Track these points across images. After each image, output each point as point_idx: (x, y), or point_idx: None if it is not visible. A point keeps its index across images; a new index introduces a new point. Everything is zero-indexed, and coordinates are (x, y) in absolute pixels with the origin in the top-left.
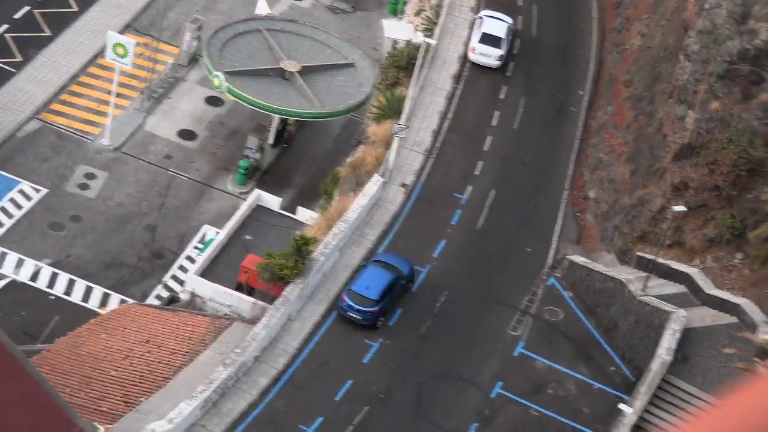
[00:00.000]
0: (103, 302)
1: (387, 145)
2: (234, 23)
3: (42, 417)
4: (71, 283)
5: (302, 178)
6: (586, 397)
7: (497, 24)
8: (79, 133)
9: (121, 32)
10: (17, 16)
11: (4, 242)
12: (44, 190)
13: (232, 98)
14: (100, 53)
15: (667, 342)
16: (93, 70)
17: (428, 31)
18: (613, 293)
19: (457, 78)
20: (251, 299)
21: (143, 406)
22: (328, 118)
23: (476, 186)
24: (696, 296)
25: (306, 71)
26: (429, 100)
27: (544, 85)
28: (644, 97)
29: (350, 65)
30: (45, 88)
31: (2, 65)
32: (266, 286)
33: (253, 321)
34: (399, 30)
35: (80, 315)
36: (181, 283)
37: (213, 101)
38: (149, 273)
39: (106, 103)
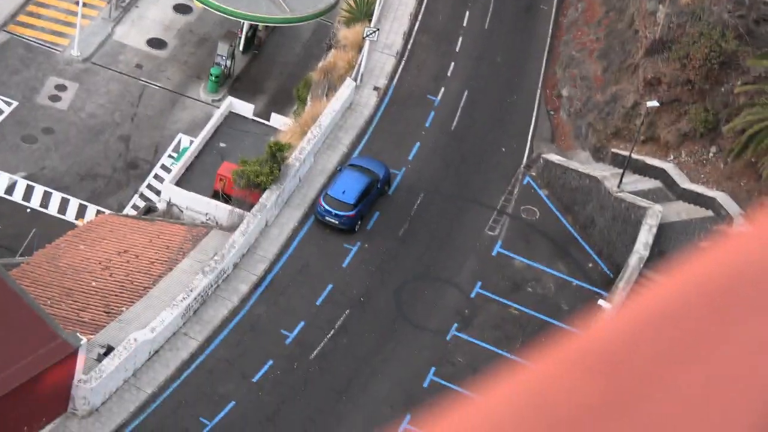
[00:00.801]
0: (80, 214)
1: (358, 48)
2: None
3: (24, 329)
4: (47, 195)
5: (274, 84)
6: (565, 294)
7: None
8: (47, 45)
9: None
10: None
11: None
12: (15, 103)
13: (201, 5)
14: None
15: (644, 237)
16: None
17: None
18: (588, 190)
19: None
20: (228, 207)
21: (125, 315)
22: (298, 23)
23: (449, 87)
24: (671, 191)
25: None
26: (399, 2)
27: None
28: None
29: None
30: (10, 0)
31: None
32: (242, 193)
33: (230, 228)
34: None
35: (58, 227)
36: (157, 192)
37: (181, 9)
38: (125, 183)
39: (74, 13)
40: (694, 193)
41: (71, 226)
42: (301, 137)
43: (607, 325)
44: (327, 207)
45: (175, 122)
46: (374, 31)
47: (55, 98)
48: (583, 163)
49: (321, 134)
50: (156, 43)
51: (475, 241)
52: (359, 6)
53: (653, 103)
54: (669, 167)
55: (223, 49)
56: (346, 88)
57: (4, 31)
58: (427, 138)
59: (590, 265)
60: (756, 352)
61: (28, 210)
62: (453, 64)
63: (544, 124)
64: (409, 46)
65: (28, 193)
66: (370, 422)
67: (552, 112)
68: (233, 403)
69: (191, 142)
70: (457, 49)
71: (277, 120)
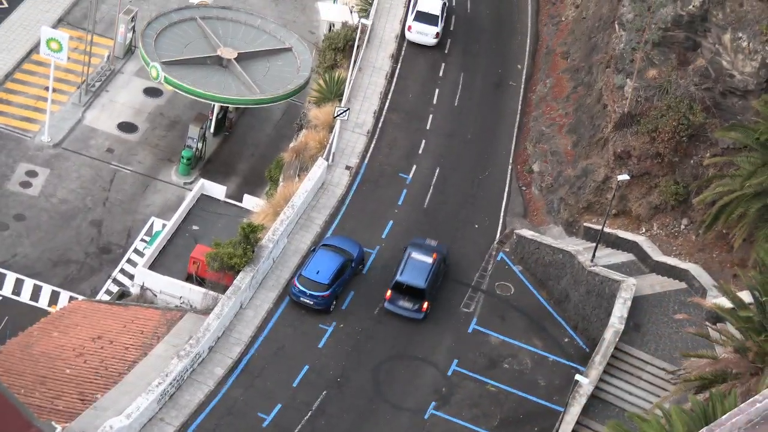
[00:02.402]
0: (53, 300)
1: (329, 128)
2: (168, 13)
3: None
4: (19, 282)
5: (246, 165)
6: (542, 370)
7: (432, 1)
8: (17, 131)
9: (54, 27)
10: None
11: None
12: None
13: (171, 88)
14: (35, 49)
15: (619, 311)
16: (28, 66)
17: (364, 12)
18: (562, 265)
19: (395, 57)
20: (202, 289)
21: (100, 402)
22: (269, 104)
23: (420, 165)
24: (644, 264)
25: (243, 58)
26: (368, 81)
27: (482, 61)
28: (582, 68)
29: (287, 50)
30: None
31: None
32: (216, 276)
33: (205, 311)
34: (334, 12)
35: (30, 314)
36: (131, 277)
37: (151, 92)
38: (97, 269)
39: (44, 99)
40: (667, 265)
41: (44, 313)
42: (274, 218)
43: None
44: (301, 287)
45: (148, 206)
46: (345, 111)
47: (26, 184)
48: (556, 238)
49: (294, 214)
50: (127, 126)
51: (450, 319)
52: (329, 86)
53: (624, 177)
54: (641, 240)
55: (194, 131)
56: (318, 167)
57: None
58: (399, 216)
59: (566, 339)
60: None
61: (0, 298)
62: (424, 141)
63: (516, 200)
64: (379, 125)
65: None
66: None
67: (524, 188)
68: None
69: (164, 225)
70: (428, 127)
71: (249, 201)
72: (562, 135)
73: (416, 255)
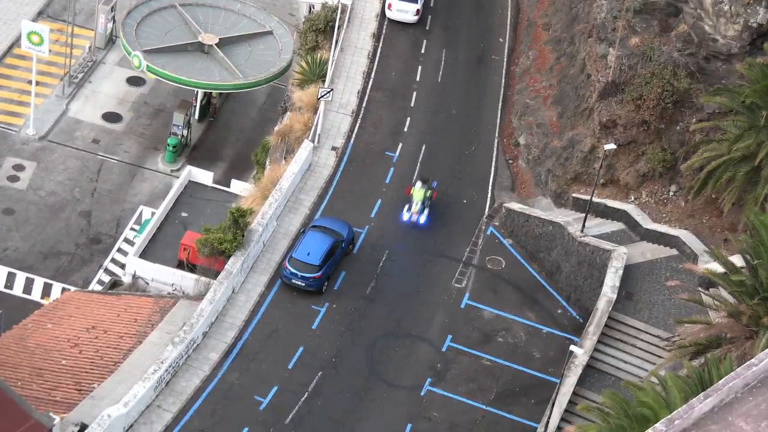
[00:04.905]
0: (46, 292)
1: (313, 109)
2: (147, 1)
3: None
4: (11, 276)
5: (232, 150)
6: (536, 342)
7: None
8: (2, 126)
9: (35, 20)
10: None
11: None
12: None
13: (154, 77)
14: (16, 43)
15: (611, 280)
16: (10, 60)
17: None
18: (552, 237)
19: (377, 36)
20: (194, 276)
21: (97, 392)
22: (252, 88)
23: (406, 142)
24: (634, 232)
25: (225, 43)
26: (351, 61)
27: (463, 36)
28: (564, 38)
29: (268, 33)
30: None
31: None
32: (207, 262)
33: (197, 297)
34: None
35: (24, 307)
36: (122, 266)
37: (134, 81)
38: (88, 259)
39: (27, 92)
40: (657, 232)
41: (37, 305)
42: (263, 202)
43: None
44: (293, 270)
45: (136, 195)
46: (328, 92)
47: (13, 178)
48: (545, 210)
49: (282, 197)
50: (111, 117)
51: (442, 295)
52: (312, 67)
53: (610, 146)
54: (630, 208)
55: (178, 118)
56: (304, 149)
57: None
58: (388, 195)
59: (559, 311)
60: None
61: None
62: (409, 119)
63: (503, 174)
64: (364, 105)
65: None
66: None
67: (510, 161)
68: None
69: (153, 213)
70: (412, 104)
71: (237, 186)
72: (546, 107)
73: None
